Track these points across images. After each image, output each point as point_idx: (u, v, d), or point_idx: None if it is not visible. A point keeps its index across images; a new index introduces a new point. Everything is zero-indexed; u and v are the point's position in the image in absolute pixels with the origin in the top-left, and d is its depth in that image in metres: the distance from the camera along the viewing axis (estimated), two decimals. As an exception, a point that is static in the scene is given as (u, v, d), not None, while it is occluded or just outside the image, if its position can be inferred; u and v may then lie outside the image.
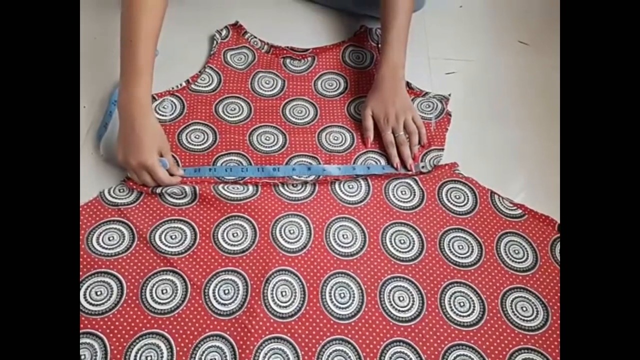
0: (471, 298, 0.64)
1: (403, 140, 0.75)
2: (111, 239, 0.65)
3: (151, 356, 0.58)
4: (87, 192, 0.69)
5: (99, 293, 0.61)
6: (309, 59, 0.87)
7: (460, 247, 0.68)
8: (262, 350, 0.58)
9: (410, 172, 0.74)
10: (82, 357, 0.57)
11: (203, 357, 0.58)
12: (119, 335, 0.58)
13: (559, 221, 0.70)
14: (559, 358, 0.60)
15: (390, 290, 0.64)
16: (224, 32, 0.88)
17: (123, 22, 0.68)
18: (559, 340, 0.61)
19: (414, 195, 0.72)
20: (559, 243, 0.68)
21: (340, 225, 0.69)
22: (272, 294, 0.62)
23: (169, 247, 0.65)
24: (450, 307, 0.63)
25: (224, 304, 0.61)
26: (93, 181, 0.70)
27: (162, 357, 0.58)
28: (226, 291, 0.62)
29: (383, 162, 0.75)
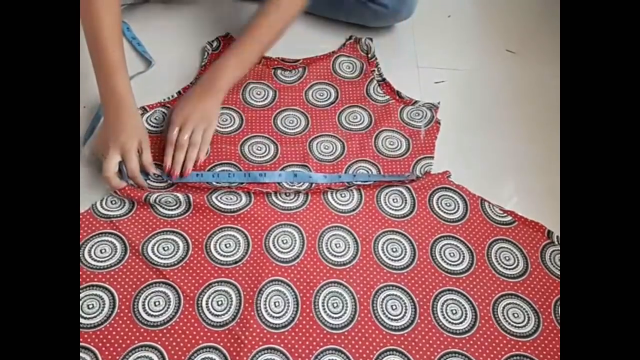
0: (463, 305, 0.64)
1: (181, 145, 0.72)
2: (103, 251, 0.65)
3: (144, 369, 0.57)
4: (82, 200, 0.69)
5: (90, 306, 0.61)
6: (300, 69, 0.88)
7: (452, 254, 0.68)
8: (255, 361, 0.58)
9: (400, 179, 0.74)
10: (75, 371, 0.56)
11: (196, 369, 0.58)
12: (111, 349, 0.58)
13: (548, 228, 0.71)
14: (550, 364, 0.60)
15: (383, 299, 0.64)
16: (214, 44, 0.89)
17: (85, 21, 0.68)
18: (551, 346, 0.61)
19: (406, 203, 0.73)
20: (550, 249, 0.69)
21: (333, 235, 0.69)
22: (265, 304, 0.62)
23: (162, 259, 0.65)
24: (443, 315, 0.63)
25: (217, 315, 0.61)
26: (87, 190, 0.70)
27: (155, 370, 0.58)
28: (219, 302, 0.62)
29: (374, 171, 0.76)
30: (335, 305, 0.63)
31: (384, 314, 0.63)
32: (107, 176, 0.67)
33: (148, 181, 0.71)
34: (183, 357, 0.58)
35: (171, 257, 0.65)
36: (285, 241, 0.68)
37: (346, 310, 0.63)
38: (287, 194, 0.72)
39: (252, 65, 0.82)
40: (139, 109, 0.78)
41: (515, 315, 0.64)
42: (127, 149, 0.67)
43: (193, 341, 0.59)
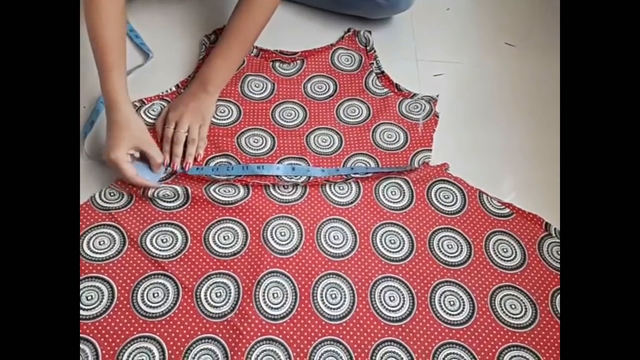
0: (461, 297, 0.64)
1: (178, 139, 0.73)
2: (102, 243, 0.65)
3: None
4: (80, 192, 0.69)
5: (89, 298, 0.61)
6: (298, 62, 0.88)
7: (450, 246, 0.69)
8: (254, 352, 0.59)
9: (397, 171, 0.74)
10: (74, 362, 0.57)
11: (195, 360, 0.58)
12: (110, 340, 0.58)
13: (547, 220, 0.71)
14: (547, 355, 0.61)
15: (381, 290, 0.64)
16: (212, 37, 0.88)
17: (87, 23, 0.67)
18: (547, 337, 0.62)
19: (404, 195, 0.73)
20: (548, 241, 0.69)
21: (331, 227, 0.69)
22: (263, 295, 0.63)
23: (160, 250, 0.65)
24: (441, 306, 0.64)
25: (216, 307, 0.62)
26: (85, 182, 0.70)
27: (154, 360, 0.58)
28: (218, 294, 0.63)
29: (372, 164, 0.76)
30: (333, 296, 0.63)
31: (382, 305, 0.63)
32: (134, 182, 0.68)
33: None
34: (182, 348, 0.59)
35: (170, 249, 0.65)
36: (283, 233, 0.68)
37: (344, 301, 0.63)
38: (285, 187, 0.72)
39: (240, 62, 0.83)
40: (136, 101, 0.78)
41: (513, 306, 0.64)
42: (113, 159, 0.66)
43: (192, 332, 0.60)
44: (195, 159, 0.73)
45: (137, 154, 0.70)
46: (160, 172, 0.71)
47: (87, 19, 0.67)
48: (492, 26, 0.99)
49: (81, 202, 0.68)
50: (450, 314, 0.63)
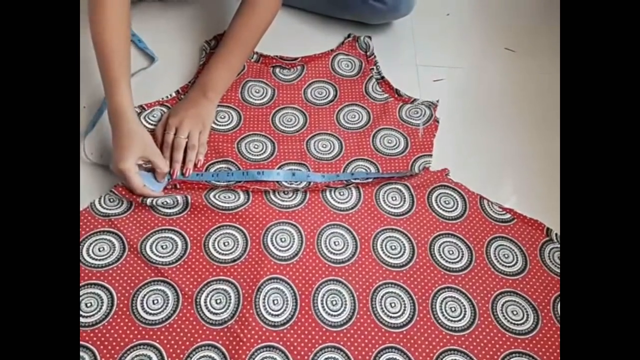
0: (462, 303, 0.64)
1: (179, 145, 0.73)
2: (101, 249, 0.65)
3: (142, 367, 0.57)
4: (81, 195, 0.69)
5: (89, 305, 0.61)
6: (298, 67, 0.88)
7: (451, 252, 0.68)
8: (254, 359, 0.58)
9: (398, 177, 0.74)
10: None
11: (195, 368, 0.58)
12: (109, 347, 0.58)
13: (547, 225, 0.71)
14: (549, 361, 0.60)
15: (382, 297, 0.64)
16: (213, 43, 0.89)
17: (92, 34, 0.68)
18: (550, 343, 0.61)
19: (404, 201, 0.73)
20: (549, 247, 0.69)
21: (332, 232, 0.69)
22: (264, 302, 0.62)
23: (160, 257, 0.65)
24: (442, 313, 0.63)
25: (216, 313, 0.61)
26: (85, 188, 0.70)
27: (153, 368, 0.57)
28: (218, 300, 0.62)
29: (372, 169, 0.76)
30: (334, 303, 0.63)
31: (383, 311, 0.63)
32: (140, 192, 0.68)
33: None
34: (182, 355, 0.58)
35: (169, 256, 0.65)
36: (283, 239, 0.68)
37: (345, 307, 0.63)
38: (286, 192, 0.72)
39: (240, 68, 0.83)
40: (137, 107, 0.78)
41: (514, 312, 0.64)
42: (123, 170, 0.66)
43: (192, 339, 0.59)
44: (195, 165, 0.73)
45: (146, 164, 0.70)
46: (164, 182, 0.71)
47: (92, 27, 0.67)
48: (492, 31, 0.99)
49: (81, 208, 0.68)
50: (451, 320, 0.63)
